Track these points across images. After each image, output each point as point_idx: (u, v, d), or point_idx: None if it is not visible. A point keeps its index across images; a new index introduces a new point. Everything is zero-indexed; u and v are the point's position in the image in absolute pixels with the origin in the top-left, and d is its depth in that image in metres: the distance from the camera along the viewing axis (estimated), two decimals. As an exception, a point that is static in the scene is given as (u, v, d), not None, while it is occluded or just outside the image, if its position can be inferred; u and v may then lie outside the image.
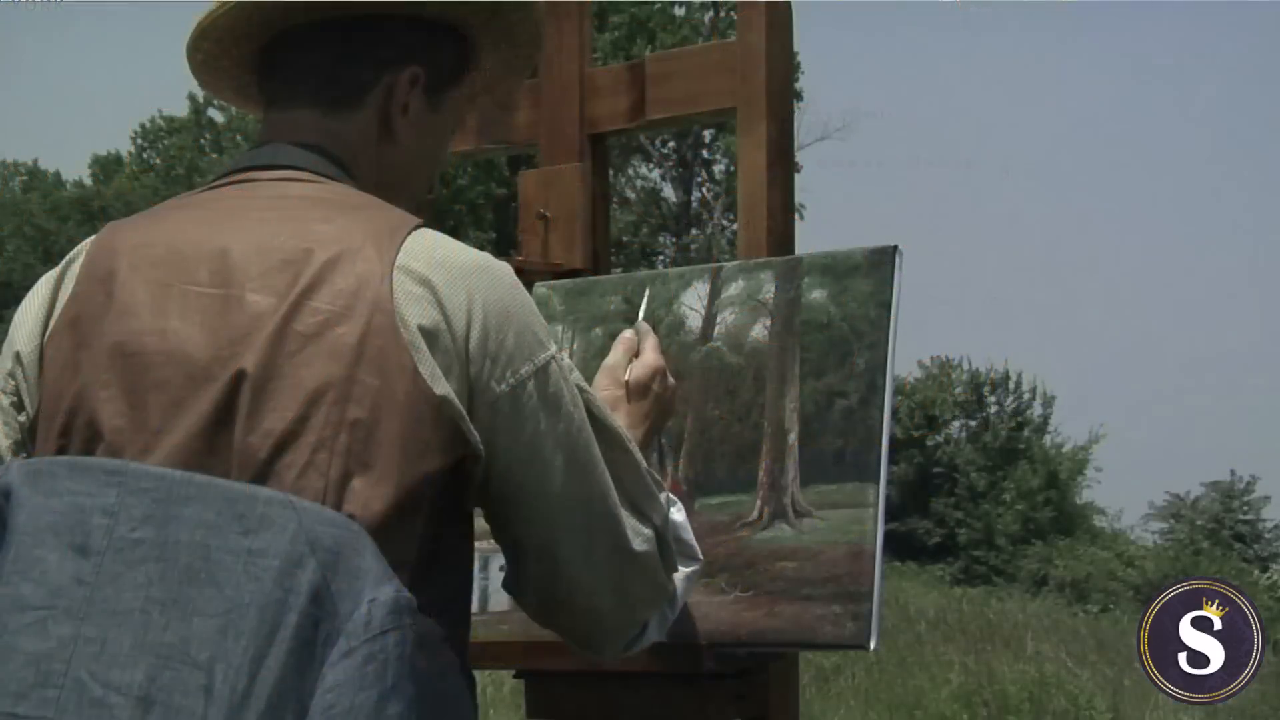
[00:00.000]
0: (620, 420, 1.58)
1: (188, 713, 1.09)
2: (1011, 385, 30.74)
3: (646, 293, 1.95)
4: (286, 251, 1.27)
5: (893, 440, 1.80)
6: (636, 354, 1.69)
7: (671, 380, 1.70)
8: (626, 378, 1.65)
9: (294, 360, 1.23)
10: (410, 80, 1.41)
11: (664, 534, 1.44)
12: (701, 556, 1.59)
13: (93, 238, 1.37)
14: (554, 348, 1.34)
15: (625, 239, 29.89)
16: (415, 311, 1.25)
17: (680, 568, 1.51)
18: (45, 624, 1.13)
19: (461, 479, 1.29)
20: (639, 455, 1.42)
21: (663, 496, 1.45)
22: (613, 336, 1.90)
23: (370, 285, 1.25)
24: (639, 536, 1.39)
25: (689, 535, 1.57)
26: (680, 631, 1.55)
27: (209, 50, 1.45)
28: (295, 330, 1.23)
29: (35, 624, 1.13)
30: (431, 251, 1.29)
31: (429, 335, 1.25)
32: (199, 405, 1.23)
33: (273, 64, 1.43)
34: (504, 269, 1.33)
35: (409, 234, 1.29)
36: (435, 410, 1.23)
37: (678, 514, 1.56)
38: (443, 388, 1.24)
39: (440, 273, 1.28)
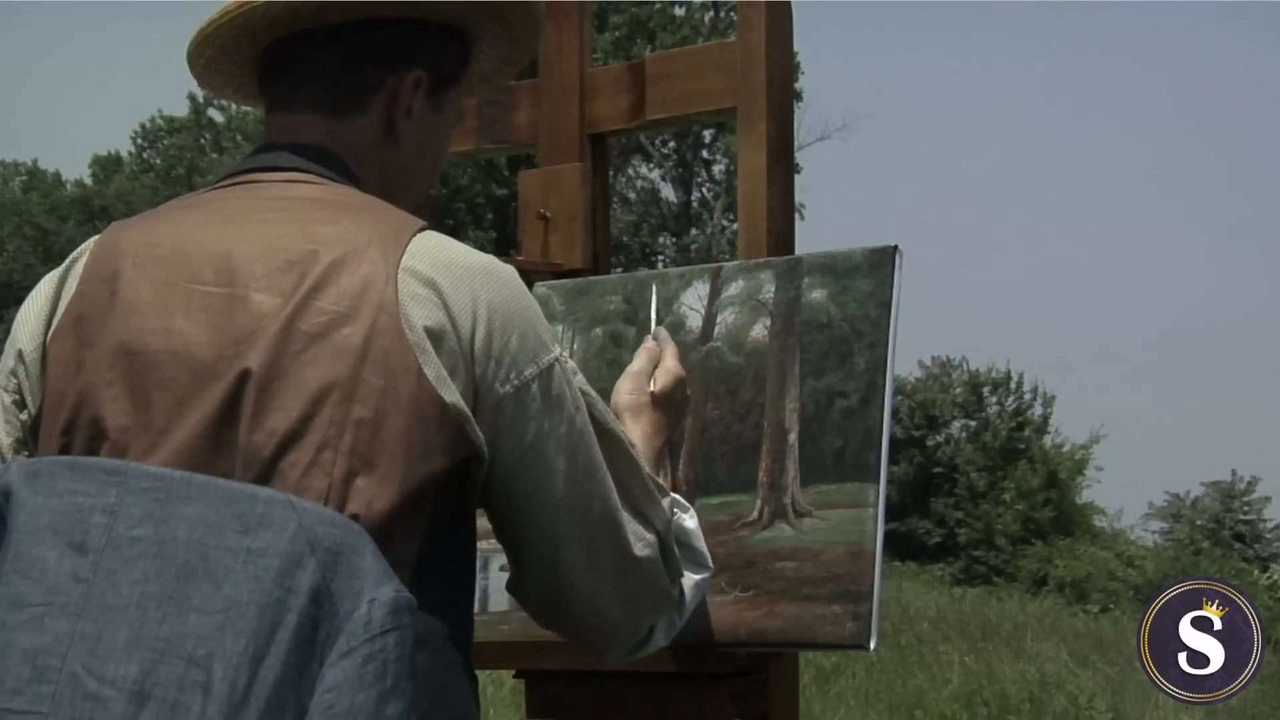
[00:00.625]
0: (644, 427, 1.60)
1: (185, 708, 1.09)
2: (1013, 385, 30.74)
3: (654, 295, 1.95)
4: (292, 252, 1.27)
5: (893, 440, 1.80)
6: (658, 361, 1.70)
7: (689, 391, 1.72)
8: (653, 387, 1.66)
9: (299, 360, 1.23)
10: (414, 84, 1.42)
11: (667, 539, 1.44)
12: (712, 565, 1.59)
13: (96, 237, 1.37)
14: (558, 350, 1.34)
15: (625, 239, 29.89)
16: (420, 313, 1.25)
17: (690, 574, 1.51)
18: (42, 620, 1.13)
19: (465, 480, 1.29)
20: (641, 460, 1.42)
21: (667, 502, 1.45)
22: (613, 336, 1.90)
23: (375, 286, 1.25)
24: (641, 541, 1.39)
25: (700, 543, 1.57)
26: (680, 631, 1.55)
27: (212, 56, 1.45)
28: (300, 330, 1.24)
29: (32, 620, 1.13)
30: (436, 253, 1.29)
31: (434, 336, 1.25)
32: (204, 404, 1.23)
33: (276, 67, 1.43)
34: (508, 271, 1.34)
35: (414, 236, 1.30)
36: (440, 411, 1.24)
37: (689, 521, 1.56)
38: (447, 389, 1.24)
39: (445, 274, 1.28)
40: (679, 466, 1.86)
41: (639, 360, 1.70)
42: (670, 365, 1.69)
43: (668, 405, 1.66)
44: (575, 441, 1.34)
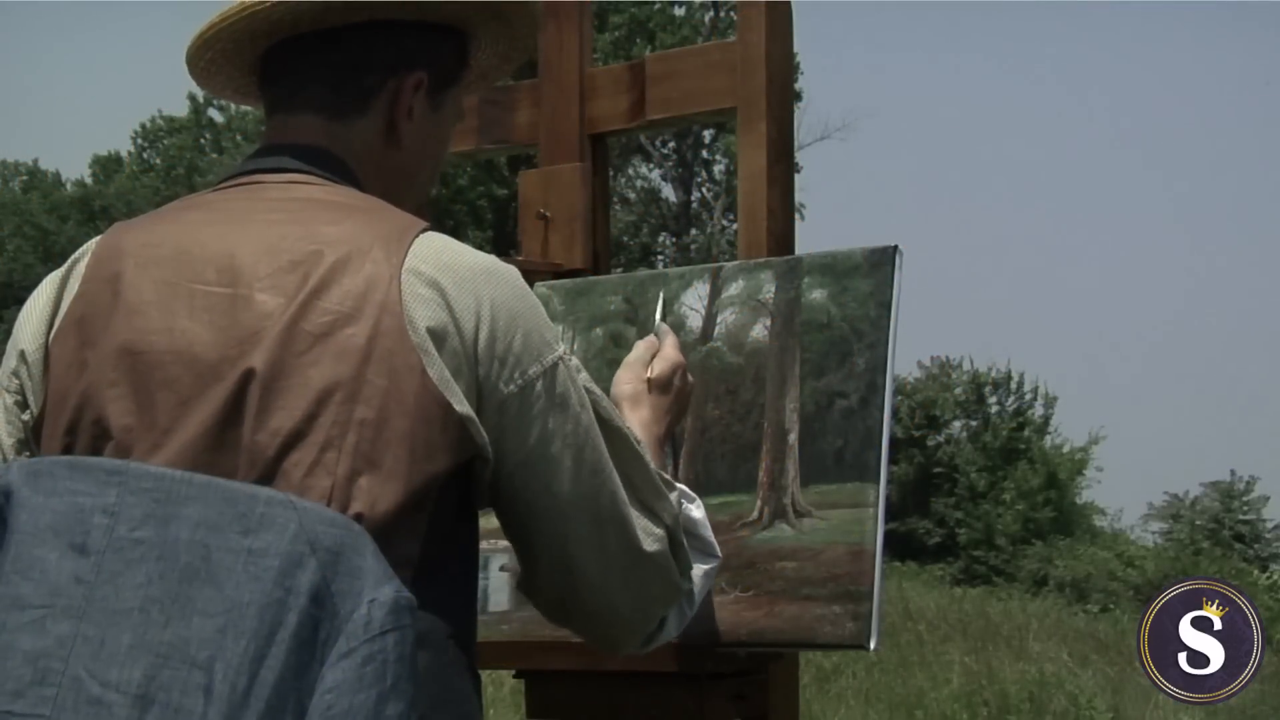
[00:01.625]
0: (643, 414, 1.60)
1: (187, 712, 1.09)
2: (1013, 385, 30.73)
3: (661, 295, 1.95)
4: (295, 253, 1.27)
5: (893, 440, 1.80)
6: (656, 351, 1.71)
7: (690, 377, 1.72)
8: (649, 374, 1.66)
9: (302, 360, 1.23)
10: (415, 85, 1.42)
11: (675, 533, 1.44)
12: (720, 554, 1.59)
13: (98, 238, 1.38)
14: (561, 349, 1.35)
15: (625, 239, 29.90)
16: (424, 314, 1.25)
17: (699, 564, 1.52)
18: (44, 622, 1.13)
19: (468, 480, 1.29)
20: (647, 455, 1.43)
21: (674, 495, 1.46)
22: (613, 336, 1.91)
23: (379, 287, 1.25)
24: (650, 536, 1.40)
25: (707, 532, 1.58)
26: (681, 631, 1.55)
27: (212, 59, 1.45)
28: (304, 330, 1.24)
29: (34, 622, 1.13)
30: (439, 254, 1.30)
31: (437, 337, 1.25)
32: (207, 404, 1.23)
33: (276, 69, 1.43)
34: (511, 271, 1.34)
35: (416, 236, 1.30)
36: (443, 411, 1.24)
37: (696, 511, 1.57)
38: (450, 389, 1.25)
39: (448, 275, 1.28)
40: (679, 467, 1.86)
41: (637, 350, 1.71)
42: (668, 353, 1.70)
43: (666, 391, 1.67)
44: (581, 439, 1.34)
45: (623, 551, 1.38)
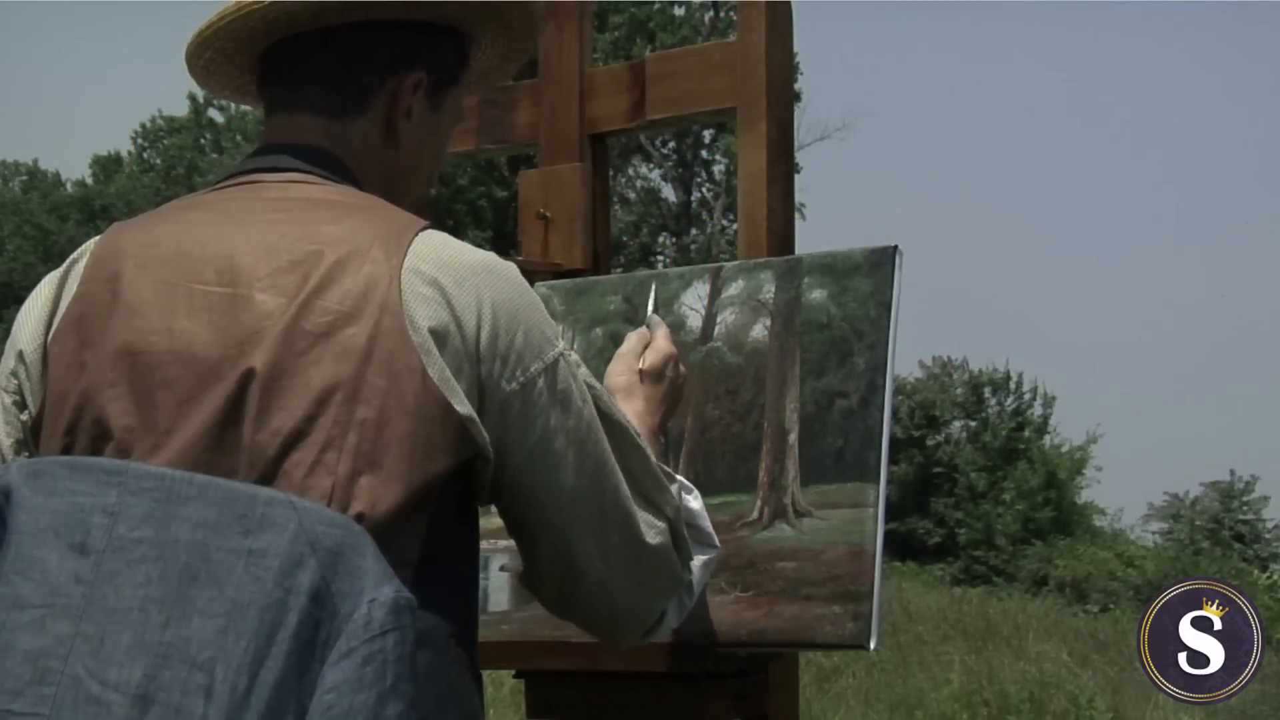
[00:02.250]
0: (636, 405, 1.61)
1: (187, 712, 1.09)
2: (1012, 385, 30.74)
3: (653, 290, 1.95)
4: (295, 252, 1.27)
5: (893, 440, 1.80)
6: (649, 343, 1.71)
7: (683, 368, 1.72)
8: (641, 365, 1.66)
9: (303, 359, 1.23)
10: (414, 85, 1.42)
11: (677, 525, 1.45)
12: (719, 544, 1.60)
13: (97, 238, 1.37)
14: (562, 345, 1.35)
15: (625, 239, 29.91)
16: (424, 313, 1.25)
17: (697, 555, 1.52)
18: (43, 622, 1.13)
19: (469, 479, 1.29)
20: (648, 449, 1.43)
21: (675, 488, 1.47)
22: (613, 336, 1.91)
23: (379, 287, 1.25)
24: (652, 529, 1.41)
25: (706, 523, 1.59)
26: (680, 631, 1.56)
27: (211, 58, 1.45)
28: (304, 329, 1.24)
29: (33, 622, 1.13)
30: (439, 253, 1.30)
31: (438, 336, 1.25)
32: (208, 404, 1.23)
33: (275, 69, 1.43)
34: (511, 269, 1.34)
35: (416, 235, 1.30)
36: (444, 411, 1.24)
37: (694, 502, 1.57)
38: (451, 389, 1.25)
39: (448, 274, 1.28)
40: (679, 466, 1.86)
41: (629, 342, 1.71)
42: (660, 344, 1.70)
43: (658, 381, 1.67)
44: (584, 434, 1.34)
45: (626, 545, 1.39)
